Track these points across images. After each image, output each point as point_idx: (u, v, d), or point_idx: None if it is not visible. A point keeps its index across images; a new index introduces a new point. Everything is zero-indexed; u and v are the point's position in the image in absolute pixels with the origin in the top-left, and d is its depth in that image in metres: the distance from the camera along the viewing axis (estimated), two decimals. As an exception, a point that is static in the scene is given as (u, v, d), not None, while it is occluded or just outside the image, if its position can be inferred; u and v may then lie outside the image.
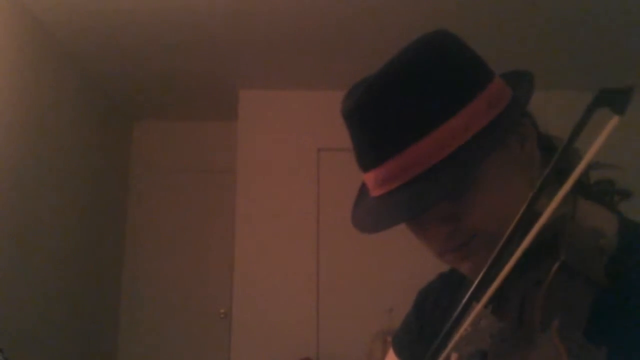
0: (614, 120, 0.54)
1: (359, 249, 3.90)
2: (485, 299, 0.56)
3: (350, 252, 3.92)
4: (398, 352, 0.92)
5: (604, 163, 0.75)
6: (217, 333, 4.43)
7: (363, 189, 0.79)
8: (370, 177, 0.72)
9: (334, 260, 3.95)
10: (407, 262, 3.95)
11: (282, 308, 3.86)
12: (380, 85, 0.69)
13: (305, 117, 4.13)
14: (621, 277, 0.60)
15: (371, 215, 0.74)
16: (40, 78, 3.22)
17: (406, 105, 0.67)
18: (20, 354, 2.72)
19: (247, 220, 3.98)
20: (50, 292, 3.37)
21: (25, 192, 3.06)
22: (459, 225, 0.68)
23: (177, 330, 4.47)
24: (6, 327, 2.77)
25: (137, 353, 4.47)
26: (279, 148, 4.09)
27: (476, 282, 0.56)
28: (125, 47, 3.49)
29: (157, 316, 4.51)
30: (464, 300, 0.56)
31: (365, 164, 0.72)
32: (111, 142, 4.41)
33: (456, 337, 0.57)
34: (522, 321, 0.59)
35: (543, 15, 3.12)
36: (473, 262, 0.70)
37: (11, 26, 2.89)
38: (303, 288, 3.90)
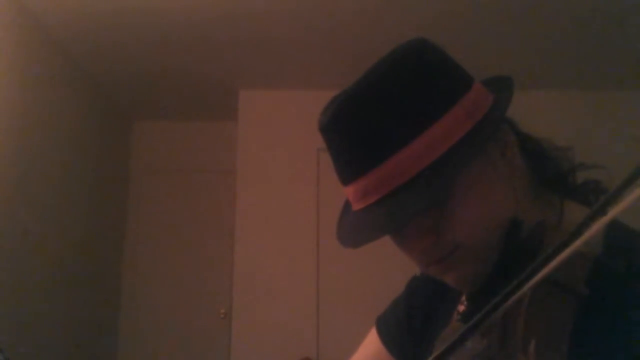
0: None
1: (359, 249, 3.90)
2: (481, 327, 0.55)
3: (351, 252, 3.90)
4: (381, 334, 0.91)
5: (590, 164, 0.75)
6: (217, 333, 4.42)
7: (347, 203, 0.79)
8: (350, 191, 0.71)
9: (334, 260, 3.95)
10: (407, 262, 3.95)
11: (282, 308, 3.86)
12: (355, 99, 0.67)
13: (305, 117, 4.10)
14: (604, 283, 0.59)
15: (352, 229, 0.74)
16: (39, 78, 3.22)
17: (382, 118, 0.66)
18: (20, 354, 2.72)
19: (247, 220, 3.98)
20: (50, 292, 3.37)
21: (25, 192, 3.06)
22: (440, 238, 0.67)
23: (177, 331, 4.47)
24: (6, 327, 2.78)
25: (137, 353, 4.47)
26: (279, 148, 4.08)
27: (480, 315, 0.55)
28: (125, 47, 3.49)
29: (157, 316, 4.51)
30: (464, 330, 0.55)
31: (344, 178, 0.71)
32: (111, 142, 4.41)
33: None
34: (505, 339, 0.57)
35: (543, 16, 3.12)
36: (457, 274, 0.69)
37: (11, 26, 2.89)
38: (303, 288, 3.90)
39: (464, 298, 0.74)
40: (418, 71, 0.67)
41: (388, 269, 3.92)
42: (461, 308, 0.71)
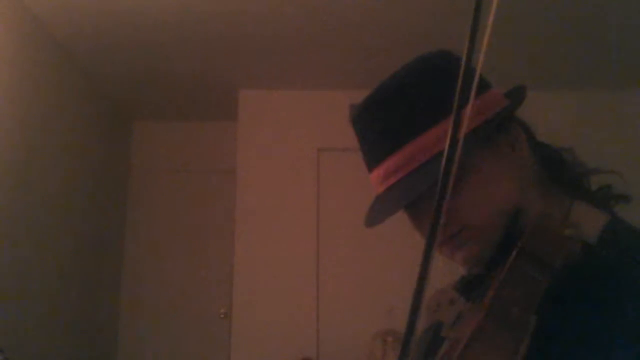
0: None
1: (359, 249, 3.90)
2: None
3: (351, 252, 3.92)
4: None
5: (603, 169, 0.82)
6: (217, 333, 4.42)
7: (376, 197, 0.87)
8: (374, 177, 0.80)
9: (334, 260, 3.95)
10: (407, 262, 3.95)
11: (282, 308, 3.86)
12: (380, 95, 0.79)
13: (305, 117, 4.13)
14: (590, 269, 0.65)
15: (373, 210, 0.82)
16: (40, 78, 3.22)
17: (402, 111, 0.77)
18: (20, 354, 2.72)
19: (247, 220, 3.98)
20: (50, 292, 3.37)
21: (25, 192, 3.06)
22: (448, 218, 0.72)
23: (177, 331, 4.47)
24: (6, 327, 2.78)
25: (137, 353, 4.47)
26: (279, 148, 4.08)
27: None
28: (125, 47, 3.49)
29: (157, 316, 4.51)
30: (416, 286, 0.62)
31: (371, 162, 0.81)
32: (111, 142, 4.41)
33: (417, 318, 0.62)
34: (480, 300, 0.65)
35: (542, 16, 3.12)
36: (465, 253, 0.76)
37: (11, 26, 2.89)
38: (303, 288, 3.90)
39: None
40: (439, 72, 0.78)
41: (388, 269, 3.93)
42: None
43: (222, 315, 4.43)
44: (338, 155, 4.05)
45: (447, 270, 0.89)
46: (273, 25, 3.25)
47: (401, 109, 0.77)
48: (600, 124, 3.94)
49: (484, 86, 0.78)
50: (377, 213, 0.80)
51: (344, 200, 3.99)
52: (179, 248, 4.61)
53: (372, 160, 0.80)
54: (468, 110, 0.72)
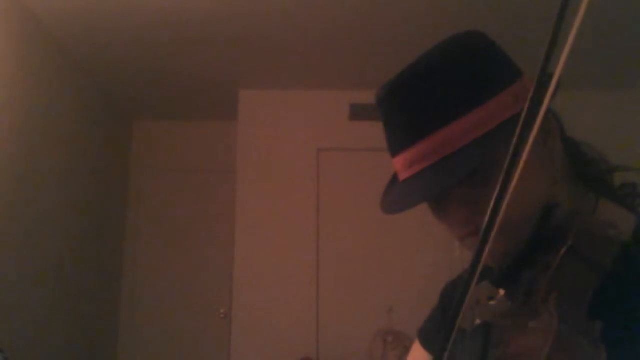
0: None
1: (359, 249, 3.90)
2: (476, 273, 0.57)
3: (350, 252, 3.93)
4: (424, 343, 0.94)
5: (629, 166, 0.79)
6: (217, 333, 4.43)
7: (393, 177, 0.83)
8: (399, 160, 0.76)
9: (334, 261, 3.95)
10: (407, 262, 3.96)
11: (282, 308, 3.86)
12: (414, 73, 0.74)
13: (305, 117, 4.13)
14: (629, 266, 0.63)
15: (398, 197, 0.77)
16: (40, 78, 3.22)
17: (438, 92, 0.72)
18: (20, 354, 2.72)
19: (247, 220, 3.98)
20: (50, 292, 3.37)
21: (25, 192, 3.06)
22: (478, 209, 0.71)
23: (177, 331, 4.47)
24: (6, 327, 2.78)
25: (137, 353, 4.48)
26: (279, 148, 4.09)
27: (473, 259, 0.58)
28: (125, 47, 3.49)
29: (157, 316, 4.51)
30: (466, 278, 0.58)
31: (397, 147, 0.76)
32: (111, 142, 4.41)
33: (461, 314, 0.58)
34: (528, 299, 0.62)
35: (543, 15, 3.12)
36: (491, 248, 0.70)
37: (11, 26, 2.89)
38: (303, 288, 3.90)
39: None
40: (473, 56, 0.73)
41: (388, 269, 3.93)
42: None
43: (222, 315, 4.43)
44: (338, 155, 4.05)
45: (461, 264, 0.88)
46: (273, 26, 3.25)
47: (434, 92, 0.72)
48: (601, 124, 3.94)
49: (517, 72, 0.75)
50: (399, 200, 0.76)
51: (344, 200, 4.00)
52: (179, 248, 4.61)
53: (399, 144, 0.75)
54: (506, 97, 0.70)
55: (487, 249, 0.56)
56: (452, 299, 0.90)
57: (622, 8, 3.01)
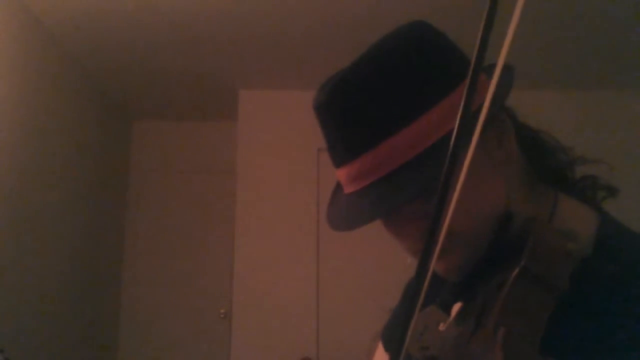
0: None
1: (359, 249, 3.90)
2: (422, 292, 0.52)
3: (350, 252, 3.92)
4: (386, 345, 0.90)
5: (589, 158, 0.73)
6: (217, 333, 4.43)
7: (338, 187, 0.77)
8: (342, 174, 0.69)
9: (334, 260, 3.95)
10: (407, 262, 3.95)
11: (282, 308, 3.86)
12: (352, 78, 0.65)
13: (305, 117, 4.08)
14: (590, 282, 0.58)
15: (344, 213, 0.71)
16: (40, 78, 3.22)
17: (379, 100, 0.64)
18: (20, 354, 2.72)
19: (247, 221, 3.98)
20: (50, 293, 3.37)
21: (25, 192, 3.06)
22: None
23: (177, 330, 4.47)
24: (6, 327, 2.78)
25: (137, 353, 4.48)
26: (279, 148, 4.08)
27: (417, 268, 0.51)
28: (124, 47, 3.49)
29: (157, 316, 4.51)
30: (412, 292, 0.52)
31: (338, 160, 0.69)
32: (111, 142, 4.41)
33: (407, 338, 0.54)
34: (479, 325, 0.56)
35: (542, 16, 3.12)
36: (446, 262, 0.66)
37: (11, 26, 2.89)
38: (303, 288, 3.90)
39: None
40: (417, 55, 0.65)
41: (388, 269, 3.92)
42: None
43: (222, 315, 4.43)
44: (338, 155, 4.05)
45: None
46: (273, 25, 3.25)
47: (381, 95, 0.64)
48: (599, 124, 3.94)
49: (467, 67, 0.67)
50: (346, 216, 0.70)
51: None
52: (179, 248, 4.61)
53: (343, 156, 0.67)
54: (455, 99, 0.62)
55: (430, 271, 0.51)
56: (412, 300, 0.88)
57: (622, 8, 3.02)
